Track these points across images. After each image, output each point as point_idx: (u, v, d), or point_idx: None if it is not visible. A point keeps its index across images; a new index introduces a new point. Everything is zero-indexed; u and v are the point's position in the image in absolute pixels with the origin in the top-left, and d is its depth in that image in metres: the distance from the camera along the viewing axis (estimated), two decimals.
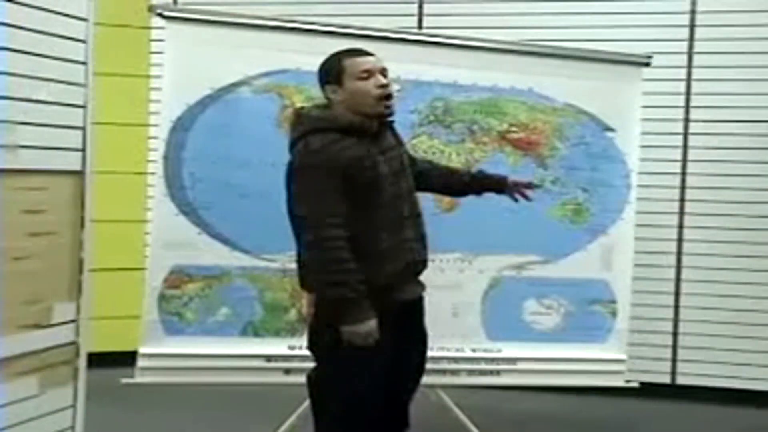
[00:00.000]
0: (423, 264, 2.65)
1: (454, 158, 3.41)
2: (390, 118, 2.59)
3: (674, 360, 4.26)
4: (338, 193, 2.41)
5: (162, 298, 3.20)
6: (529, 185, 2.90)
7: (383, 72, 2.55)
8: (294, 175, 2.49)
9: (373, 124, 2.54)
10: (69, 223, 2.52)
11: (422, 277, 2.68)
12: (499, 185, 2.90)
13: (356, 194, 2.44)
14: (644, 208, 3.78)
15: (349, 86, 2.51)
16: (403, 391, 2.68)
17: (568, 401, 4.02)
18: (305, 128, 2.51)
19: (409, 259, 2.56)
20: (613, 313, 3.55)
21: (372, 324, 2.40)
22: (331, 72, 2.54)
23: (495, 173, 2.95)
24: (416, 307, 2.68)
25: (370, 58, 2.55)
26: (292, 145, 2.54)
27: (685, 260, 4.23)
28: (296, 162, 2.49)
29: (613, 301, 3.55)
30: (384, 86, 2.52)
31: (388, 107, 2.54)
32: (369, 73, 2.51)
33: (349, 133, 2.48)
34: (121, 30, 4.37)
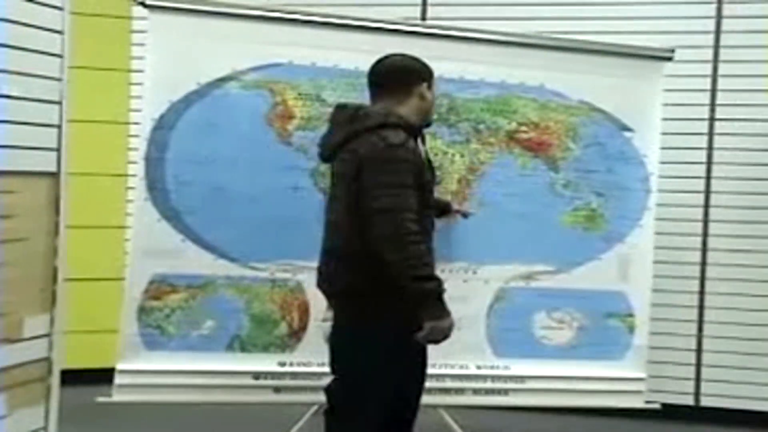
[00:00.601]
0: None
1: (457, 160, 3.43)
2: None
3: (698, 379, 4.26)
4: (414, 189, 2.54)
5: (142, 310, 3.22)
6: (465, 215, 3.23)
7: None
8: (371, 166, 2.53)
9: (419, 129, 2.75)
10: (42, 229, 2.54)
11: None
12: (441, 209, 3.11)
13: (420, 193, 2.57)
14: (665, 215, 3.81)
15: (428, 94, 2.76)
16: (406, 409, 2.72)
17: (582, 423, 4.03)
18: (374, 121, 2.60)
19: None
20: (631, 328, 3.57)
21: (452, 320, 2.52)
22: (425, 75, 2.76)
23: (440, 198, 3.15)
24: None
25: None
26: (350, 138, 2.61)
27: (710, 271, 4.23)
28: (374, 154, 2.54)
29: (631, 315, 3.57)
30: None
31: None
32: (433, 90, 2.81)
33: (411, 135, 2.63)
34: (99, 20, 4.38)
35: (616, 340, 3.57)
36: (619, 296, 3.57)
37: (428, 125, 2.82)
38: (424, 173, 2.62)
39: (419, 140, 2.72)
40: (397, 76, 2.72)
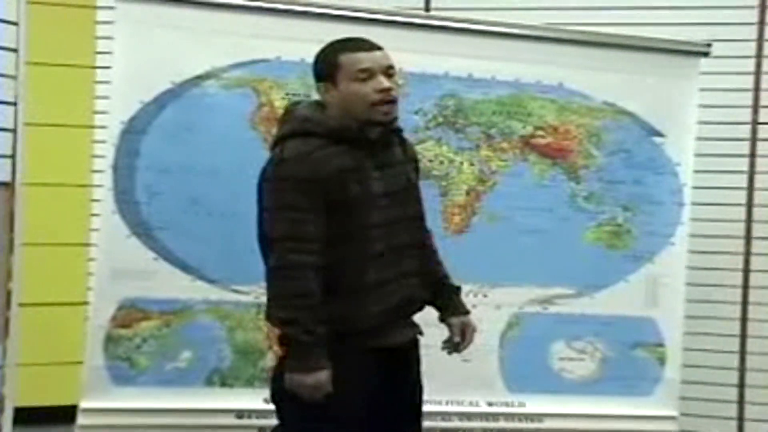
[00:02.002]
0: (420, 305, 2.72)
1: (466, 169, 3.46)
2: (390, 125, 2.64)
3: (740, 418, 4.26)
4: (315, 212, 2.47)
5: (109, 339, 3.23)
6: (456, 346, 2.82)
7: (388, 72, 2.58)
8: (266, 185, 2.57)
9: (374, 130, 2.60)
10: None
11: (424, 314, 2.75)
12: (450, 313, 2.82)
13: (338, 215, 2.50)
14: (700, 231, 3.84)
15: (344, 88, 2.56)
16: None
17: None
18: (285, 130, 2.59)
19: (404, 297, 2.62)
20: (661, 360, 3.59)
21: (321, 376, 2.45)
22: (325, 68, 2.60)
23: (461, 303, 2.86)
24: (407, 355, 2.72)
25: (375, 53, 2.58)
26: (271, 151, 2.62)
27: (753, 295, 4.23)
28: (268, 172, 2.57)
29: (661, 345, 3.59)
30: (385, 90, 2.55)
31: (386, 113, 2.57)
32: (369, 74, 2.55)
33: (339, 140, 2.54)
34: (60, 10, 4.38)
35: (645, 374, 3.59)
36: (647, 323, 3.60)
37: (383, 123, 2.60)
38: (347, 187, 2.50)
39: (398, 143, 2.69)
40: (314, 73, 2.65)
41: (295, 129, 2.57)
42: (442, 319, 2.82)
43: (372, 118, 2.56)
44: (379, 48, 2.60)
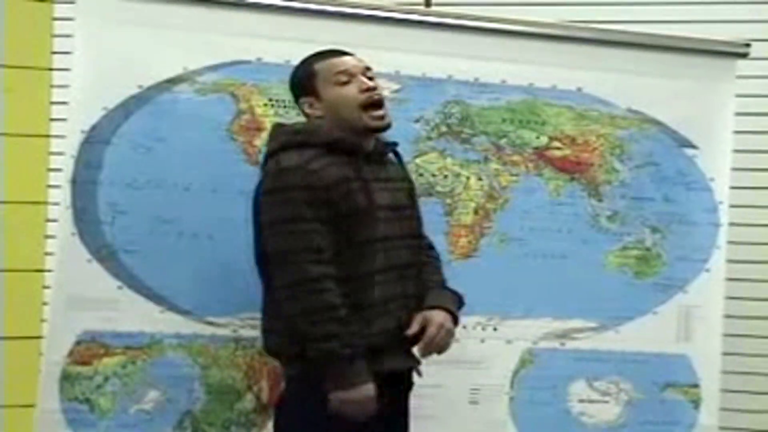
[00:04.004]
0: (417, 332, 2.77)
1: (473, 184, 3.48)
2: (383, 130, 2.76)
3: None
4: (320, 222, 2.58)
5: (66, 378, 3.23)
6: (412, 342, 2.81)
7: (366, 74, 2.75)
8: (264, 199, 2.66)
9: (368, 140, 2.73)
10: None
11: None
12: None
13: (344, 227, 2.61)
14: (738, 255, 3.84)
15: (326, 94, 2.72)
16: None
17: None
18: (277, 143, 2.70)
19: (401, 321, 2.72)
20: (696, 402, 3.59)
21: (369, 390, 2.55)
22: (302, 81, 2.77)
23: (440, 297, 2.88)
24: (404, 384, 2.84)
25: (348, 58, 2.77)
26: (263, 167, 2.73)
27: None
28: (265, 185, 2.66)
29: (696, 385, 3.59)
30: (370, 90, 2.70)
31: (379, 118, 2.71)
32: (349, 75, 2.73)
33: (334, 151, 2.66)
34: (11, 3, 4.39)
35: (677, 418, 3.59)
36: (680, 361, 3.59)
37: (377, 128, 2.77)
38: (350, 195, 2.63)
39: (395, 160, 2.82)
40: (293, 92, 2.86)
41: (287, 142, 2.69)
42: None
43: (366, 124, 2.70)
44: (351, 54, 2.77)
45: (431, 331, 2.73)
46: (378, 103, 2.71)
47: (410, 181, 2.93)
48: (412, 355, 2.82)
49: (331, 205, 2.60)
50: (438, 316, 2.77)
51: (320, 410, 2.58)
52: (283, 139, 2.71)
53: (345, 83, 2.70)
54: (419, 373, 2.82)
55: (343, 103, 2.69)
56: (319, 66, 2.74)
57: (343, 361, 2.54)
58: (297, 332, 2.60)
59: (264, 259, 2.72)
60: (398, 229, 2.75)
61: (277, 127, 2.84)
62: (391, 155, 2.89)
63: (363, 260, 2.64)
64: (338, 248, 2.61)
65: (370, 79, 2.73)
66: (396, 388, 2.76)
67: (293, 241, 2.58)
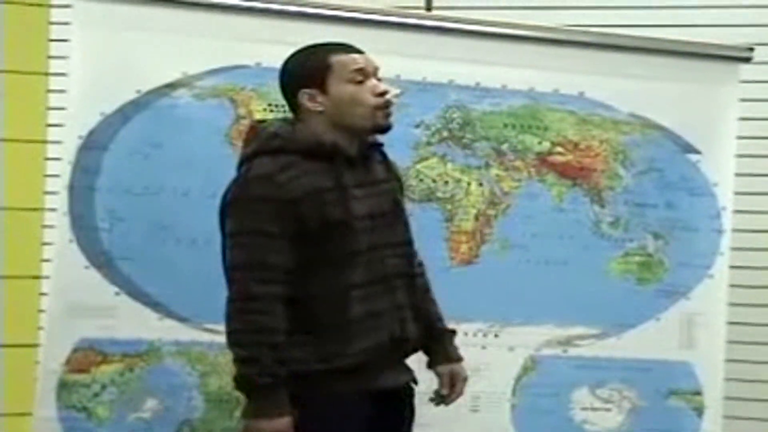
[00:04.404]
0: (414, 344, 2.74)
1: (474, 190, 3.47)
2: (389, 129, 2.70)
3: None
4: (283, 238, 2.51)
5: (63, 386, 3.23)
6: (443, 398, 2.88)
7: (377, 75, 2.68)
8: (229, 208, 2.61)
9: (354, 144, 2.66)
10: None
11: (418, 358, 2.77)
12: (440, 360, 2.88)
13: (315, 241, 2.54)
14: (742, 261, 3.85)
15: (337, 91, 2.62)
16: None
17: None
18: (252, 149, 2.64)
19: (394, 334, 2.64)
20: (699, 409, 3.59)
21: (283, 423, 2.47)
22: (311, 72, 2.65)
23: (454, 349, 2.93)
24: (399, 402, 2.75)
25: (364, 55, 2.68)
26: (237, 171, 2.67)
27: None
28: (231, 192, 2.61)
29: (698, 393, 3.59)
30: (384, 94, 2.64)
31: (387, 116, 2.66)
32: (364, 75, 2.64)
33: (313, 157, 2.59)
34: (7, 8, 4.39)
35: (680, 426, 3.59)
36: (683, 368, 3.59)
37: (386, 129, 2.70)
38: (323, 208, 2.54)
39: (379, 160, 2.75)
40: (289, 80, 2.72)
41: (261, 147, 2.62)
42: (430, 366, 2.86)
43: (377, 123, 2.65)
44: (362, 52, 2.69)
45: (460, 387, 2.87)
46: (388, 106, 2.65)
47: (398, 179, 2.86)
48: (408, 372, 2.77)
49: (301, 218, 2.51)
50: (463, 372, 2.87)
51: (306, 422, 2.52)
52: (258, 144, 2.63)
53: (360, 82, 2.61)
54: (415, 382, 2.79)
55: (353, 103, 2.61)
56: (335, 59, 2.63)
57: (261, 389, 2.48)
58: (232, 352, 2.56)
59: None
60: (383, 238, 2.65)
61: (254, 128, 2.75)
62: (377, 156, 2.79)
63: (340, 275, 2.56)
64: (310, 264, 2.54)
65: (379, 80, 2.68)
66: (391, 404, 2.69)
67: (245, 256, 2.52)
